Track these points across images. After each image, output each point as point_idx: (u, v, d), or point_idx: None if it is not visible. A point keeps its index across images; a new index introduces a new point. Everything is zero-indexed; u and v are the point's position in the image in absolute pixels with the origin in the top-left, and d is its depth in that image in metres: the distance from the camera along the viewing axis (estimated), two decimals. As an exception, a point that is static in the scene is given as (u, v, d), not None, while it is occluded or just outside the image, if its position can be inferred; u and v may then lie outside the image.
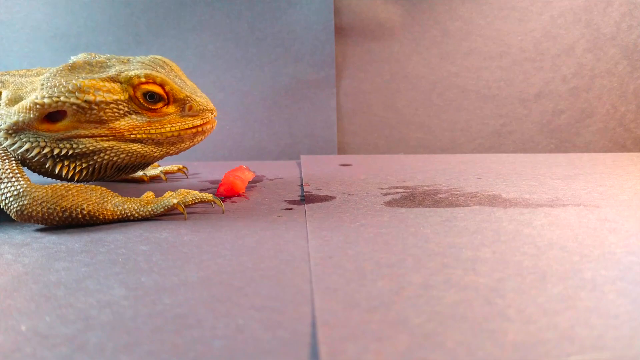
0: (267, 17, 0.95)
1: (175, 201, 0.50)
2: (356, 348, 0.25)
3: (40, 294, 0.33)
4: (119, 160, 0.52)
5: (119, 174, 0.55)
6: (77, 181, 0.53)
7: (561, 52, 0.95)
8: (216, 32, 0.95)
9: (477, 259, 0.36)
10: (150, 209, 0.50)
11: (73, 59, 0.55)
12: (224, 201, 0.58)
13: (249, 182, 0.68)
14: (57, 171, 0.51)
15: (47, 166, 0.51)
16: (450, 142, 0.98)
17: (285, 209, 0.53)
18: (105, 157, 0.51)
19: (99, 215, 0.48)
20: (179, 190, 0.52)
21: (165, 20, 0.94)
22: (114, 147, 0.51)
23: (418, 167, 0.77)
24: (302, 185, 0.66)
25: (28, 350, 0.26)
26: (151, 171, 0.72)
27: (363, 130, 0.99)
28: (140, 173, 0.71)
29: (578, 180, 0.64)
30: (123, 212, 0.49)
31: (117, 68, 0.52)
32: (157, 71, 0.53)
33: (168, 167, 0.74)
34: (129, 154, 0.52)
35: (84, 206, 0.47)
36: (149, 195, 0.53)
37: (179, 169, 0.74)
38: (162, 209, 0.50)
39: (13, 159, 0.49)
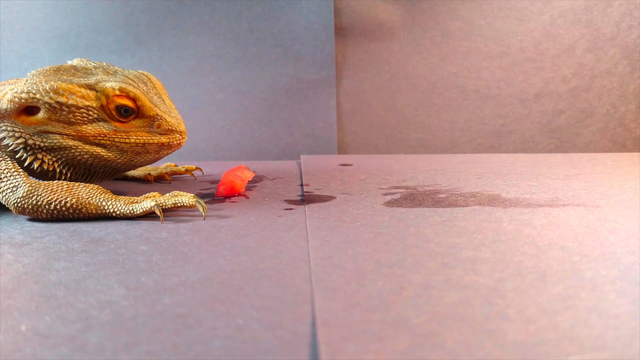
0: (267, 17, 0.95)
1: (151, 204, 0.50)
2: (356, 348, 0.25)
3: (40, 294, 0.33)
4: (82, 160, 0.54)
5: (98, 177, 0.57)
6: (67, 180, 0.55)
7: (561, 52, 0.95)
8: (216, 32, 0.95)
9: (477, 259, 0.36)
10: (130, 209, 0.50)
11: (68, 62, 0.58)
12: (223, 201, 0.58)
13: (249, 182, 0.68)
14: (36, 167, 0.53)
15: (27, 163, 0.53)
16: (450, 142, 0.98)
17: (285, 209, 0.53)
18: (70, 154, 0.53)
19: (82, 208, 0.49)
20: (173, 192, 0.52)
21: (165, 20, 0.94)
22: (78, 147, 0.53)
23: (418, 167, 0.77)
24: (302, 185, 0.66)
25: (28, 350, 0.26)
26: (154, 171, 0.72)
27: (363, 130, 0.99)
28: (139, 172, 0.71)
29: (578, 180, 0.64)
30: (106, 209, 0.50)
31: (98, 77, 0.54)
32: (137, 86, 0.55)
33: (176, 168, 0.73)
34: (92, 156, 0.54)
35: (69, 199, 0.49)
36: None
37: (186, 170, 0.73)
38: (141, 210, 0.50)
39: (9, 159, 0.52)
